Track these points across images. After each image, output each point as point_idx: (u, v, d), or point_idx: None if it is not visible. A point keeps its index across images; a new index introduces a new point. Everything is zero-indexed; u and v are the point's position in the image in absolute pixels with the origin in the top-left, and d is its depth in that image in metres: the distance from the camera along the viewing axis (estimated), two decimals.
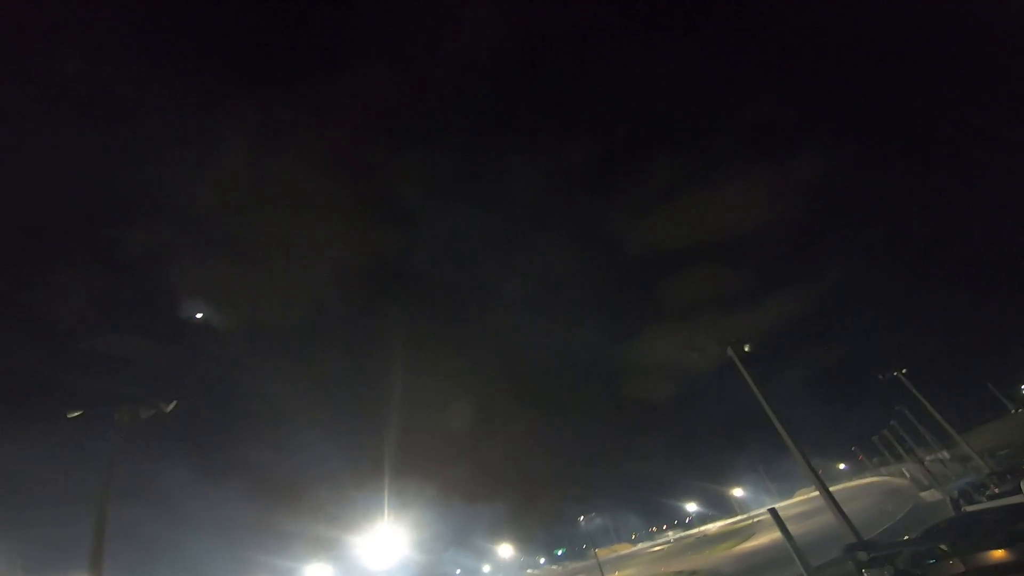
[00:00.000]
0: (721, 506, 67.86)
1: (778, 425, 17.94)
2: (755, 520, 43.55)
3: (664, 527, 77.60)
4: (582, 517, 46.40)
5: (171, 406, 16.12)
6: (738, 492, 64.01)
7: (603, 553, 57.11)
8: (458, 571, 67.56)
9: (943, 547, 10.71)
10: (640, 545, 65.96)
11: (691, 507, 70.64)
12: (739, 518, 58.82)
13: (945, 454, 35.22)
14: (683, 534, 67.22)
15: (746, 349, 19.38)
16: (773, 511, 23.99)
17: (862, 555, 13.73)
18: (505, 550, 61.54)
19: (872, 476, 52.54)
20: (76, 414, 15.51)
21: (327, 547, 48.18)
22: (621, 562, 49.58)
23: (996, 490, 16.49)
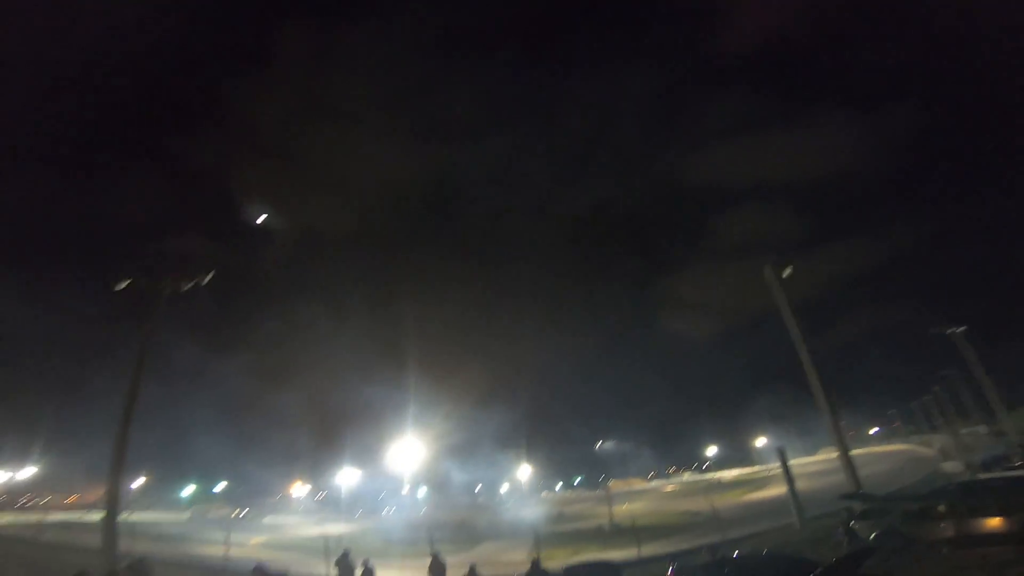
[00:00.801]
0: (741, 454, 68.08)
1: (811, 374, 16.91)
2: (771, 472, 43.43)
3: (680, 469, 79.13)
4: (600, 443, 47.71)
5: (208, 277, 16.88)
6: (760, 442, 63.70)
7: (617, 485, 59.15)
8: (478, 488, 71.97)
9: (940, 508, 10.09)
10: (654, 483, 67.79)
11: (710, 451, 71.12)
12: (755, 468, 59.02)
13: (983, 428, 33.22)
14: (698, 477, 68.41)
15: (786, 274, 17.90)
16: (781, 451, 23.66)
17: (855, 505, 13.31)
18: (524, 471, 64.44)
19: (900, 444, 50.80)
20: (124, 284, 16.49)
21: (357, 453, 52.34)
22: (633, 496, 51.30)
23: (1019, 463, 15.42)
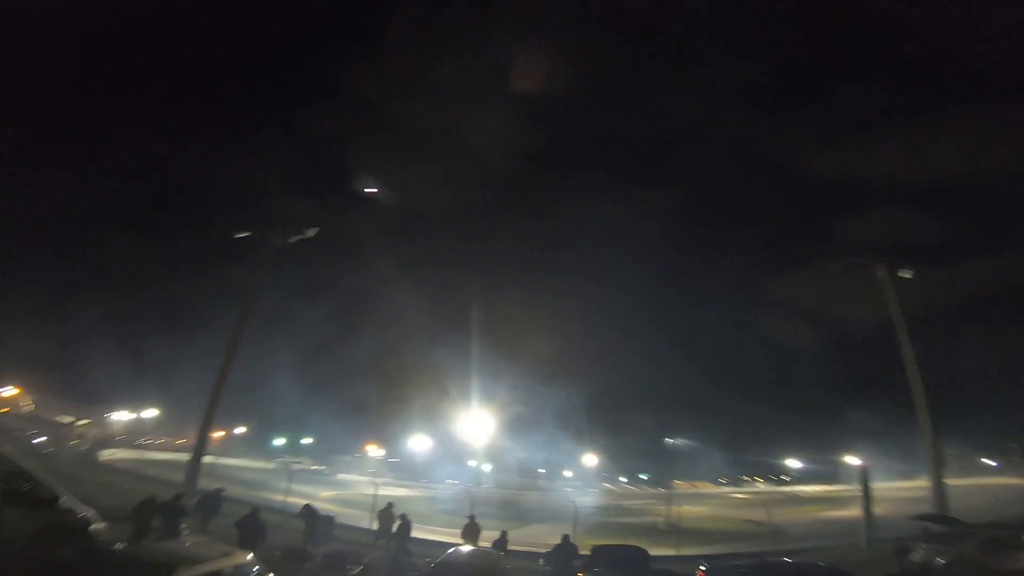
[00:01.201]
0: (828, 470, 62.32)
1: (915, 386, 15.24)
2: (857, 492, 39.42)
3: (756, 477, 74.20)
4: (669, 439, 46.06)
5: (313, 232, 18.99)
6: (852, 460, 58.07)
7: (683, 486, 57.06)
8: (541, 470, 72.65)
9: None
10: (724, 489, 64.43)
11: (793, 463, 66.00)
12: (841, 487, 53.86)
13: None
14: (774, 488, 63.92)
15: (905, 275, 16.10)
16: (863, 470, 21.36)
17: (932, 528, 11.78)
18: (590, 459, 63.97)
19: (1018, 478, 43.64)
20: (244, 234, 19.02)
21: (429, 423, 54.94)
22: (698, 499, 49.25)
23: None
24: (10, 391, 37.80)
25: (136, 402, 43.20)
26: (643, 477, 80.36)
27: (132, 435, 44.76)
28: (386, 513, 15.65)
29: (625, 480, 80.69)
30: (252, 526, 11.86)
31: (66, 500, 7.35)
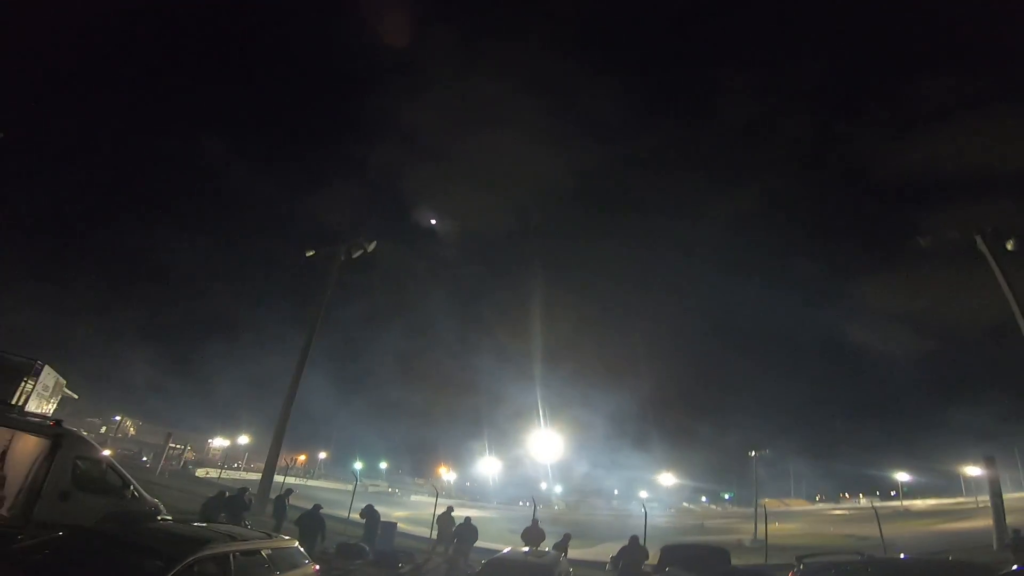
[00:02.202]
0: (944, 482, 55.34)
1: None
2: (981, 504, 34.84)
3: (858, 493, 67.19)
4: (753, 452, 42.46)
5: (372, 245, 20.49)
6: (974, 471, 51.49)
7: (773, 504, 52.84)
8: (616, 490, 69.94)
9: None
10: (820, 506, 58.84)
11: (901, 476, 59.43)
12: (961, 499, 47.56)
13: None
14: (880, 504, 57.53)
15: (1009, 247, 14.80)
16: (993, 478, 18.59)
17: None
18: (666, 478, 61.27)
19: None
20: (311, 253, 20.87)
21: (500, 447, 55.10)
22: (791, 516, 45.20)
23: None
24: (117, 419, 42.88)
25: (232, 429, 47.38)
26: (727, 497, 75.08)
27: (227, 459, 48.72)
28: (446, 517, 15.43)
29: (706, 500, 75.78)
30: (311, 522, 12.23)
31: (134, 489, 8.05)
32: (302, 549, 7.00)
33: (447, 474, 65.11)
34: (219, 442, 49.21)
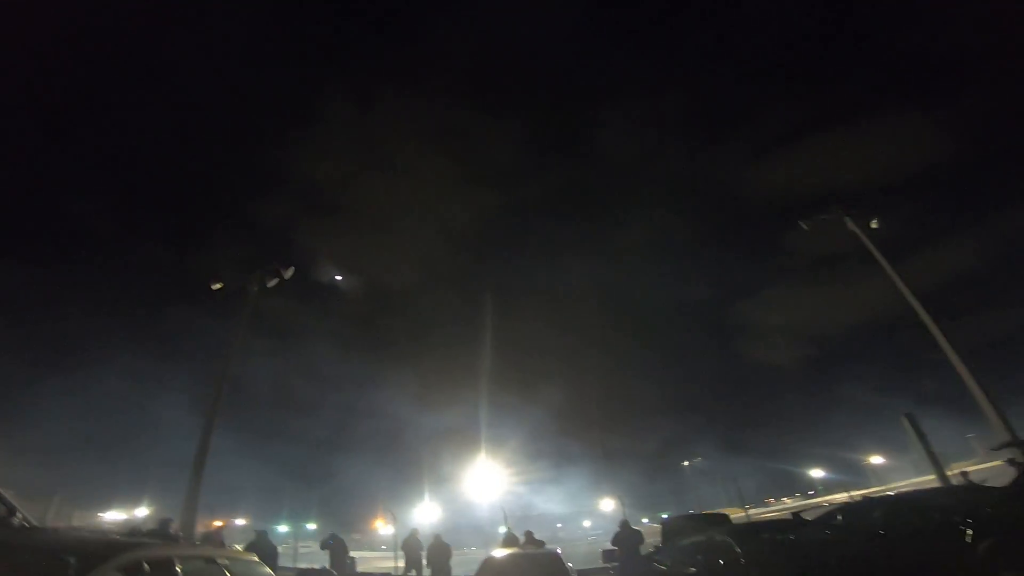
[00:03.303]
0: (854, 475, 60.68)
1: (927, 323, 14.53)
2: (895, 491, 38.26)
3: (783, 498, 71.77)
4: (686, 462, 44.00)
5: (289, 272, 18.30)
6: (876, 460, 57.18)
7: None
8: (559, 524, 69.16)
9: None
10: (752, 511, 61.81)
11: (816, 473, 64.32)
12: (874, 489, 52.25)
13: None
14: (804, 503, 61.65)
15: (873, 225, 16.45)
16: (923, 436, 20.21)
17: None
18: (607, 504, 61.64)
19: None
20: (218, 286, 18.23)
21: (433, 486, 52.48)
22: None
23: None
24: None
25: (132, 501, 41.00)
26: (664, 516, 76.74)
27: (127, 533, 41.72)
28: (412, 540, 14.08)
29: (647, 521, 76.95)
30: (263, 548, 10.69)
31: (23, 517, 6.47)
32: (267, 568, 5.89)
33: (384, 527, 60.82)
34: (113, 516, 41.76)
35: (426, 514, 54.04)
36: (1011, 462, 11.66)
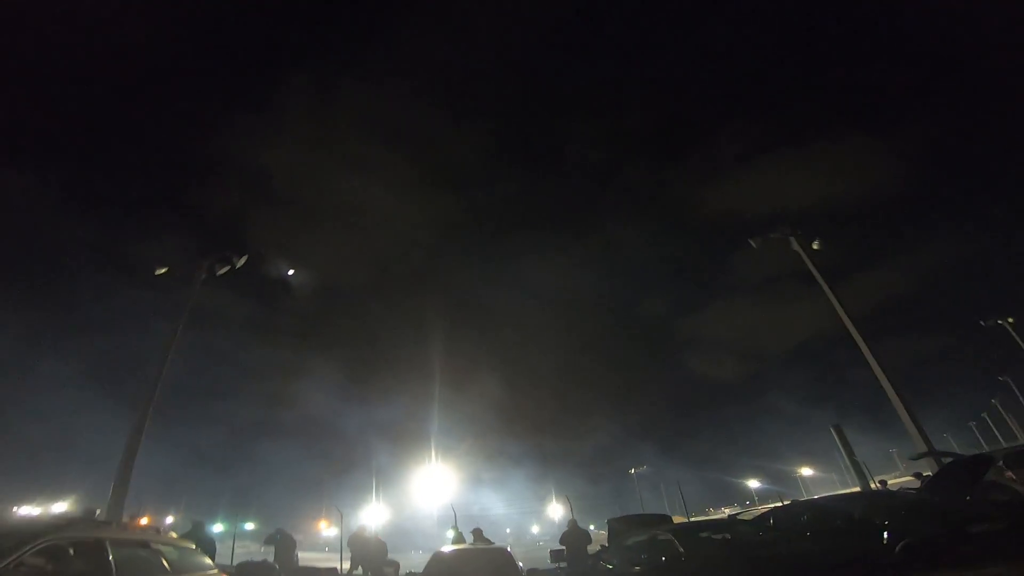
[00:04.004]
0: (787, 486, 64.13)
1: (861, 344, 15.29)
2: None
3: (722, 508, 74.83)
4: (632, 470, 45.16)
5: (242, 260, 17.03)
6: (806, 471, 61.35)
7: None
8: (508, 530, 69.42)
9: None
10: (694, 519, 64.07)
11: (753, 484, 67.64)
12: (805, 499, 55.43)
13: None
14: (741, 511, 64.46)
15: (815, 247, 17.42)
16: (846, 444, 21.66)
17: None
18: (555, 510, 62.24)
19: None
20: (162, 271, 16.79)
21: (382, 489, 51.44)
22: None
23: None
24: None
25: (49, 499, 37.77)
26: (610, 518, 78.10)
27: None
28: (359, 538, 13.75)
29: (593, 527, 78.23)
30: (201, 538, 10.15)
31: None
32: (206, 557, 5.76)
33: (327, 529, 59.05)
34: (29, 511, 38.49)
35: (373, 516, 52.92)
36: (918, 475, 12.75)
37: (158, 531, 5.25)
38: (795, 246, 17.76)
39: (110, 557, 4.12)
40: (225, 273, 17.40)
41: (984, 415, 43.90)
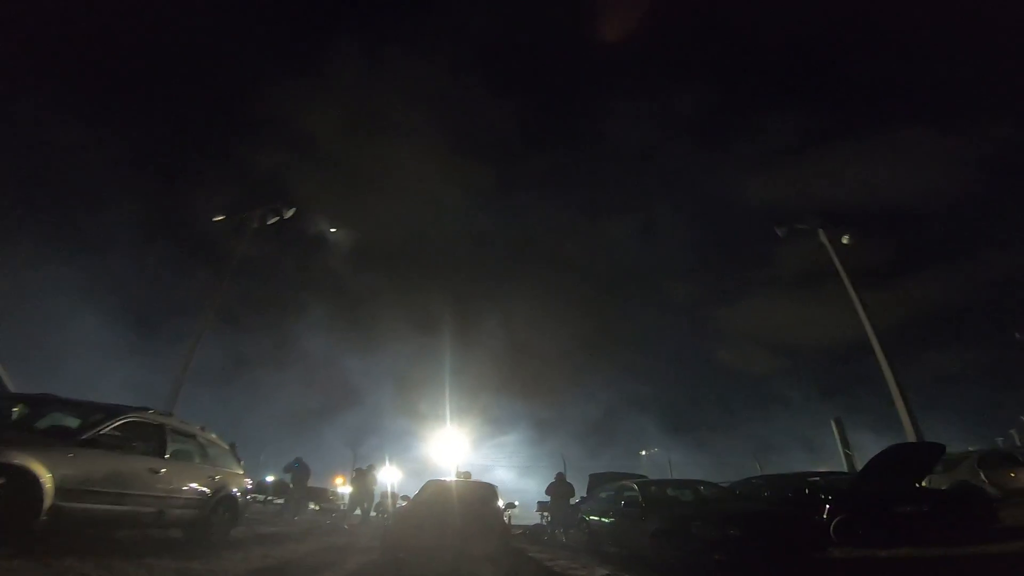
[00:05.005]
0: None
1: (876, 346, 15.08)
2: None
3: None
4: (643, 451, 45.03)
5: (290, 212, 18.30)
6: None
7: None
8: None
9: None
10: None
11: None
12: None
13: None
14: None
15: (844, 241, 17.24)
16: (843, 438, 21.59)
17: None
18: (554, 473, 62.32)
19: None
20: (219, 219, 18.19)
21: (397, 448, 53.49)
22: None
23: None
24: None
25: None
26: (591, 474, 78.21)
27: None
28: (360, 476, 14.29)
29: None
30: (300, 471, 12.93)
31: None
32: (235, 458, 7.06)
33: (343, 486, 61.81)
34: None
35: (388, 475, 55.23)
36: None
37: (203, 428, 6.47)
38: (822, 238, 17.37)
39: (167, 439, 5.41)
40: (274, 223, 18.66)
41: (1012, 432, 42.46)
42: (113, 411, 4.96)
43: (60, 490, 3.83)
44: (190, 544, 5.53)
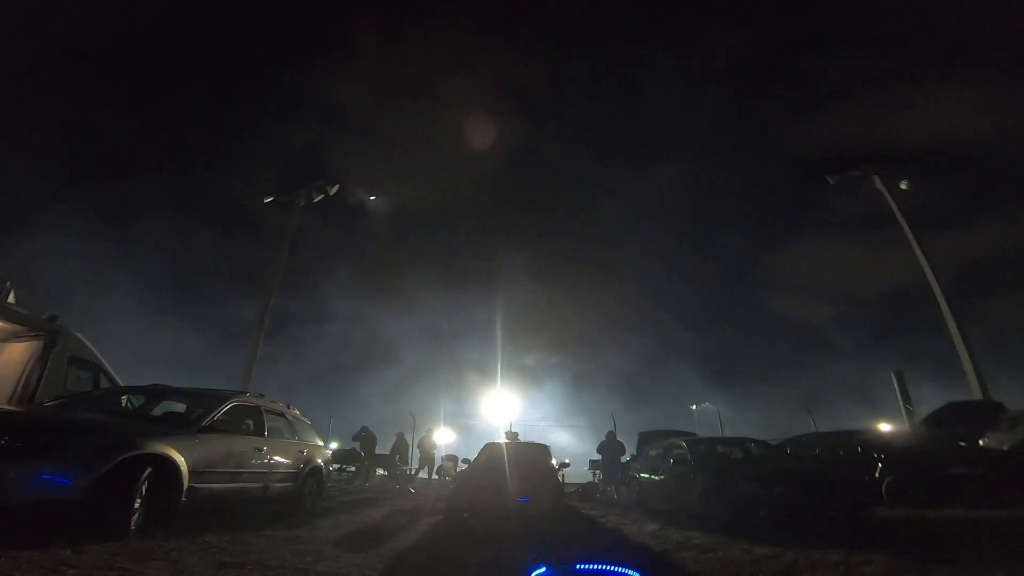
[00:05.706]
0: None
1: (938, 291, 14.42)
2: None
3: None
4: (694, 406, 45.12)
5: (335, 188, 19.16)
6: (884, 427, 58.44)
7: None
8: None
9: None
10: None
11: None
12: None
13: None
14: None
15: (902, 187, 16.21)
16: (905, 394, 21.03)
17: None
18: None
19: None
20: (269, 199, 19.27)
21: (449, 412, 55.83)
22: None
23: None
24: None
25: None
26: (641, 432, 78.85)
27: None
28: (425, 440, 15.80)
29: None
30: (367, 440, 14.63)
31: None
32: (316, 436, 7.97)
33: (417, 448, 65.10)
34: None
35: (443, 438, 58.11)
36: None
37: (288, 407, 7.34)
38: (879, 185, 16.33)
39: (264, 419, 6.20)
40: (320, 200, 19.40)
41: None
42: (220, 397, 5.71)
43: (193, 473, 4.51)
44: (287, 515, 6.26)
